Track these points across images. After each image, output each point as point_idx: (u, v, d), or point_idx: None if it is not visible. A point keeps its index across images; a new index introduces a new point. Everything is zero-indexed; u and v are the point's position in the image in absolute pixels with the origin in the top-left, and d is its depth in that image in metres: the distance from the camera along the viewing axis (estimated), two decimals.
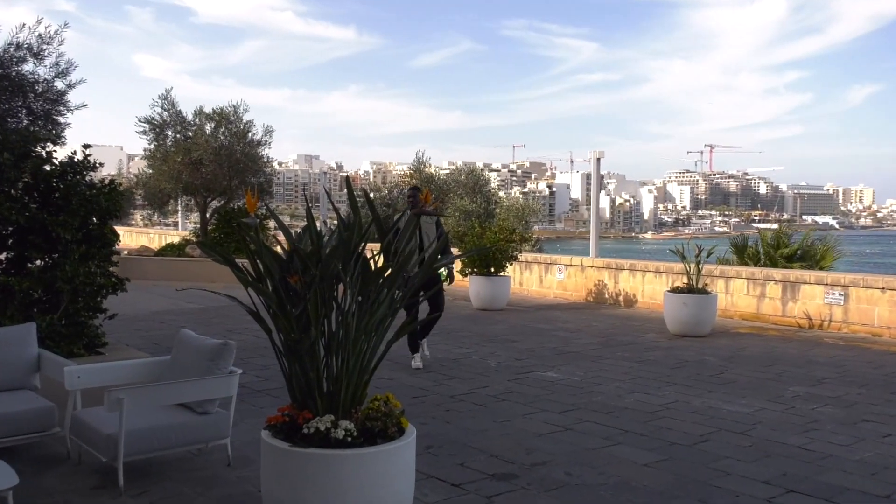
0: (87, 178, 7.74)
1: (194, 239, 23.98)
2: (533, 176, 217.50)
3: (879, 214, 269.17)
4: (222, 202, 25.28)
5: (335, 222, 4.25)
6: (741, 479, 5.38)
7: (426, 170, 34.19)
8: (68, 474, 5.31)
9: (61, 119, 7.61)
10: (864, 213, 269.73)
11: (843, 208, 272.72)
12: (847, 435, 6.48)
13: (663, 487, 5.18)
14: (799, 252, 17.07)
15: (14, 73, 7.35)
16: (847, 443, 6.26)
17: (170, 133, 25.63)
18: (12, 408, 5.40)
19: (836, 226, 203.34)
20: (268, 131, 26.04)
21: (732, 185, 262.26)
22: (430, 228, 8.96)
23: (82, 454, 5.56)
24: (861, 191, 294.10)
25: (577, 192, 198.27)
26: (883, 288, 12.04)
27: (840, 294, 12.46)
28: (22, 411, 5.40)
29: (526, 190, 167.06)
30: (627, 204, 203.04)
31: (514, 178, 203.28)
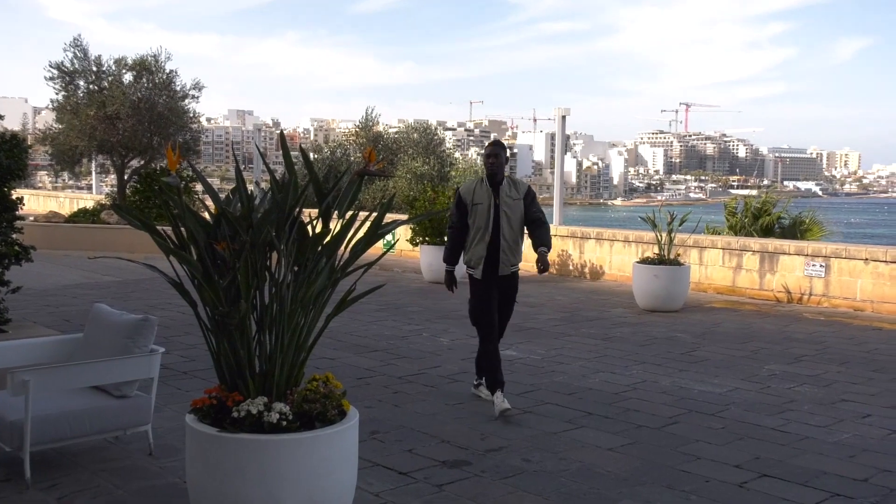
0: None
1: (110, 203, 23.52)
2: (492, 135, 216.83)
3: (865, 180, 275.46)
4: (143, 162, 24.84)
5: (269, 184, 4.21)
6: (712, 463, 5.51)
7: (374, 128, 34.02)
8: None
9: None
10: (850, 179, 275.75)
11: (826, 174, 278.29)
12: (825, 416, 6.68)
13: (629, 473, 5.28)
14: (785, 222, 17.47)
15: None
16: (824, 424, 6.45)
17: (82, 83, 25.02)
18: None
19: (820, 192, 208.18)
20: (197, 86, 25.59)
21: (709, 148, 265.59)
22: (513, 206, 6.77)
23: None
24: (846, 155, 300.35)
25: (540, 154, 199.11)
26: (866, 259, 12.36)
27: (821, 266, 12.76)
28: None
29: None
30: (595, 167, 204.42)
31: (472, 138, 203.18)
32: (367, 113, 34.19)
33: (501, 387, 6.62)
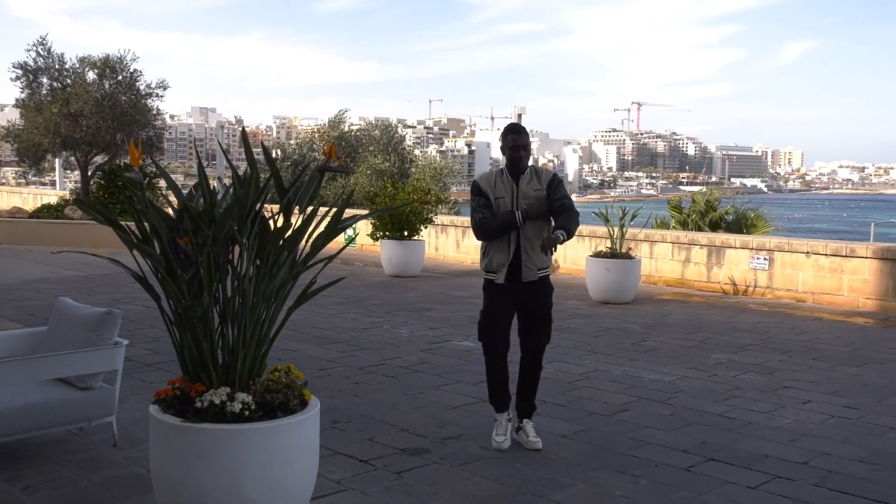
0: None
1: (74, 199, 23.18)
2: (451, 133, 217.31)
3: (808, 177, 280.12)
4: (106, 158, 24.50)
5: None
6: (661, 448, 5.59)
7: (340, 124, 34.01)
8: None
9: None
10: (793, 176, 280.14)
11: (771, 171, 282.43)
12: (768, 402, 6.80)
13: (581, 459, 5.34)
14: (730, 218, 17.71)
15: None
16: (767, 410, 6.57)
17: (45, 81, 24.65)
18: None
19: (765, 189, 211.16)
20: (161, 85, 25.31)
21: (660, 146, 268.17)
22: (534, 198, 5.56)
23: None
24: (790, 153, 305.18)
25: (497, 151, 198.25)
26: (808, 252, 12.59)
27: (765, 259, 12.98)
28: None
29: (443, 148, 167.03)
30: (551, 164, 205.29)
31: (431, 136, 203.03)
32: (338, 113, 34.37)
33: (506, 407, 5.68)
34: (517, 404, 5.70)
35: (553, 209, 5.54)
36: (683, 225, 17.65)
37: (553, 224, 5.60)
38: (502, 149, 5.68)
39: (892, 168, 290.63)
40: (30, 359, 5.17)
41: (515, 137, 5.54)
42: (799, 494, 4.79)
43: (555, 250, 5.53)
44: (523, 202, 5.50)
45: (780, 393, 7.11)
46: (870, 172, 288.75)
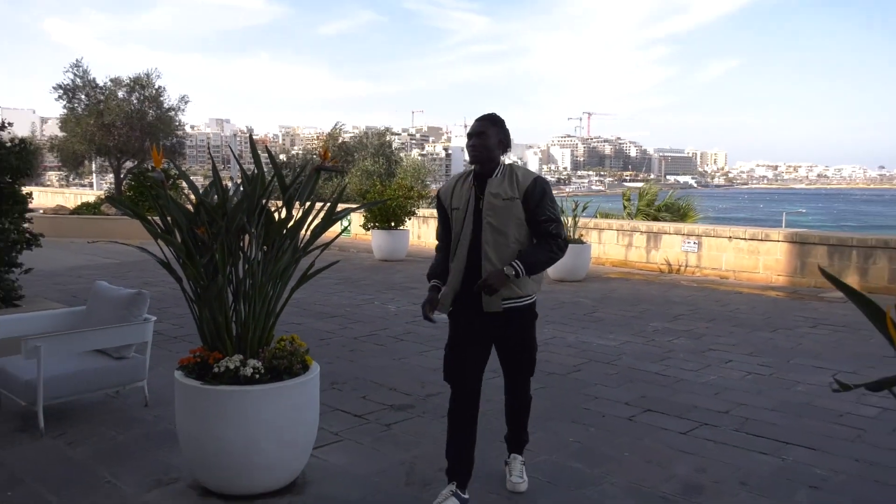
0: None
1: (108, 197, 22.98)
2: (431, 139, 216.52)
3: (731, 174, 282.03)
4: (136, 163, 24.28)
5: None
6: (607, 401, 5.63)
7: (339, 136, 34.16)
8: None
9: None
10: (718, 174, 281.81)
11: (700, 169, 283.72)
12: (696, 362, 6.87)
13: (541, 412, 5.36)
14: (664, 208, 17.81)
15: None
16: (696, 368, 6.64)
17: (82, 97, 24.40)
18: None
19: (695, 184, 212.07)
20: (184, 100, 25.18)
21: (607, 149, 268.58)
22: (501, 210, 3.61)
23: (2, 400, 5.33)
24: (716, 154, 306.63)
25: (462, 153, 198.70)
26: (730, 237, 12.70)
27: (694, 243, 13.07)
28: None
29: (424, 152, 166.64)
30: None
31: (414, 141, 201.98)
32: (336, 125, 34.86)
33: (459, 479, 3.74)
34: (505, 435, 4.19)
35: (535, 233, 3.65)
36: (631, 215, 17.69)
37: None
38: None
39: (800, 166, 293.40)
40: (73, 333, 5.13)
41: (472, 126, 3.70)
42: (722, 438, 4.85)
43: (494, 291, 3.54)
44: (488, 214, 3.58)
45: (706, 354, 7.18)
46: (782, 170, 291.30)
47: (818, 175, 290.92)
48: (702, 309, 9.65)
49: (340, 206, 4.30)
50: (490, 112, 3.77)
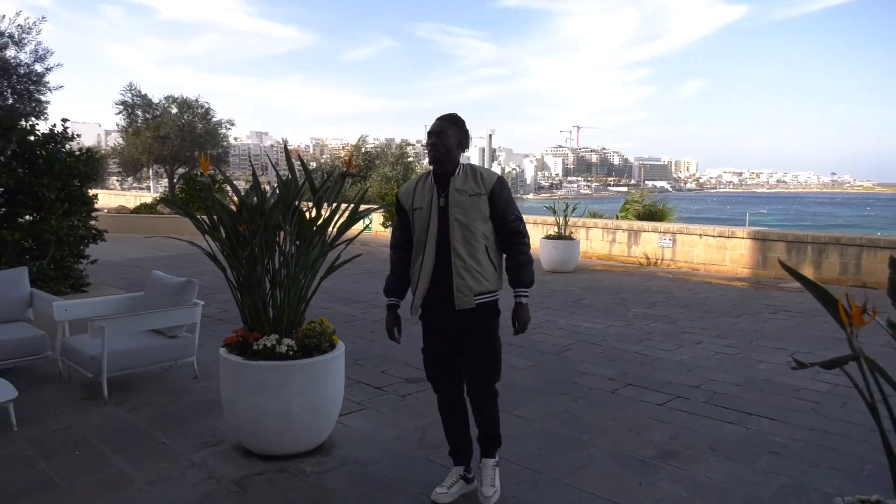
0: (68, 147, 7.31)
1: (162, 198, 23.15)
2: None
3: (701, 180, 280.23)
4: (187, 170, 24.38)
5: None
6: (593, 377, 5.61)
7: (363, 147, 34.27)
8: (61, 389, 5.12)
9: (42, 98, 7.14)
10: (691, 179, 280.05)
11: (675, 175, 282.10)
12: (671, 343, 6.83)
13: (535, 385, 5.36)
14: (649, 210, 17.72)
15: None
16: (671, 348, 6.60)
17: (140, 113, 24.54)
18: (9, 336, 5.16)
19: (670, 189, 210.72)
20: (230, 122, 25.41)
21: (594, 158, 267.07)
22: (468, 206, 3.16)
23: (72, 373, 5.36)
24: (688, 162, 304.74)
25: (475, 162, 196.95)
26: (700, 234, 12.62)
27: (669, 239, 13.00)
28: (17, 339, 5.16)
29: None
30: (514, 171, 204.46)
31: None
32: (360, 137, 34.89)
33: (462, 461, 3.46)
34: (476, 436, 3.43)
35: (501, 233, 3.21)
36: (627, 217, 17.47)
37: (507, 260, 3.26)
38: None
39: (762, 172, 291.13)
40: (132, 315, 5.15)
41: (432, 125, 3.23)
42: (693, 409, 4.82)
43: (527, 320, 3.26)
44: (455, 211, 3.12)
45: (680, 336, 7.14)
46: (746, 176, 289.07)
47: (777, 180, 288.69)
48: (676, 297, 9.60)
49: (362, 207, 4.30)
50: (450, 112, 3.31)
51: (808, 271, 11.05)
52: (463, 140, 3.28)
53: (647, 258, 13.27)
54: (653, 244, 13.26)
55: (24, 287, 5.72)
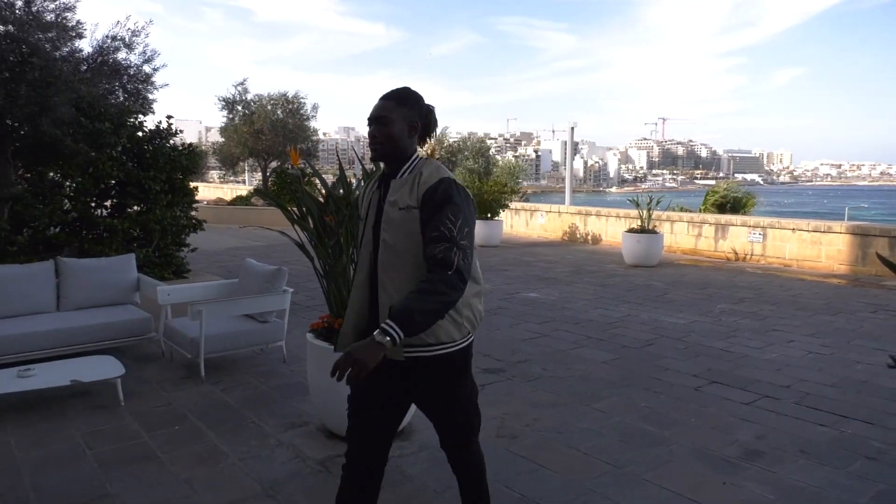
0: (172, 143, 7.72)
1: (256, 191, 24.10)
2: (523, 143, 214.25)
3: (796, 173, 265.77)
4: (279, 164, 25.24)
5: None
6: (676, 372, 5.44)
7: (445, 140, 34.49)
8: (163, 368, 5.42)
9: (149, 96, 7.56)
10: (784, 172, 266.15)
11: (766, 168, 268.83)
12: (760, 341, 6.52)
13: (616, 379, 5.25)
14: (728, 200, 17.00)
15: (111, 60, 7.27)
16: (759, 346, 6.30)
17: (239, 109, 25.56)
18: (119, 317, 5.50)
19: (761, 182, 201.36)
20: (314, 108, 26.03)
21: (680, 150, 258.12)
22: (398, 222, 2.21)
23: (173, 353, 5.67)
24: (781, 154, 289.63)
25: (557, 156, 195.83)
26: (793, 229, 11.97)
27: (759, 234, 12.40)
28: (126, 320, 5.49)
29: (517, 154, 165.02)
30: (597, 165, 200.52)
31: (508, 145, 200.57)
32: (443, 130, 35.09)
33: None
34: (460, 490, 2.60)
35: (425, 254, 2.15)
36: (709, 209, 16.84)
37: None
38: None
39: (863, 165, 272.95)
40: (228, 300, 5.37)
41: (372, 108, 2.32)
42: (782, 409, 4.59)
43: (361, 372, 2.01)
44: (384, 229, 2.27)
45: (769, 334, 6.81)
46: (845, 168, 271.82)
47: (881, 172, 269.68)
48: (766, 293, 9.15)
49: None
50: (399, 87, 2.36)
51: None
52: (417, 122, 2.32)
53: (735, 253, 12.71)
54: (741, 238, 12.68)
55: (132, 272, 6.09)
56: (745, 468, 3.66)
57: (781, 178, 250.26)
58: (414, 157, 2.33)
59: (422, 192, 2.20)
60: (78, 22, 6.55)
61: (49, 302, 5.61)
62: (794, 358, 5.91)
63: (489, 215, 14.82)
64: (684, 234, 13.68)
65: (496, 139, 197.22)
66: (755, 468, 3.66)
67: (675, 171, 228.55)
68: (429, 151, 4.14)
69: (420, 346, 2.24)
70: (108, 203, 7.45)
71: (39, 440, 3.97)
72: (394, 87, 2.36)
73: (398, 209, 2.24)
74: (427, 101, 2.39)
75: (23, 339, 5.01)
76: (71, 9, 6.46)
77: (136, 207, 7.44)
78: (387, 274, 2.25)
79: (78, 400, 4.63)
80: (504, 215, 16.31)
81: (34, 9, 6.25)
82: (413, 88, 2.37)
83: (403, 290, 2.16)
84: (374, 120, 2.30)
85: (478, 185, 15.49)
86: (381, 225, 2.28)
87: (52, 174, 7.22)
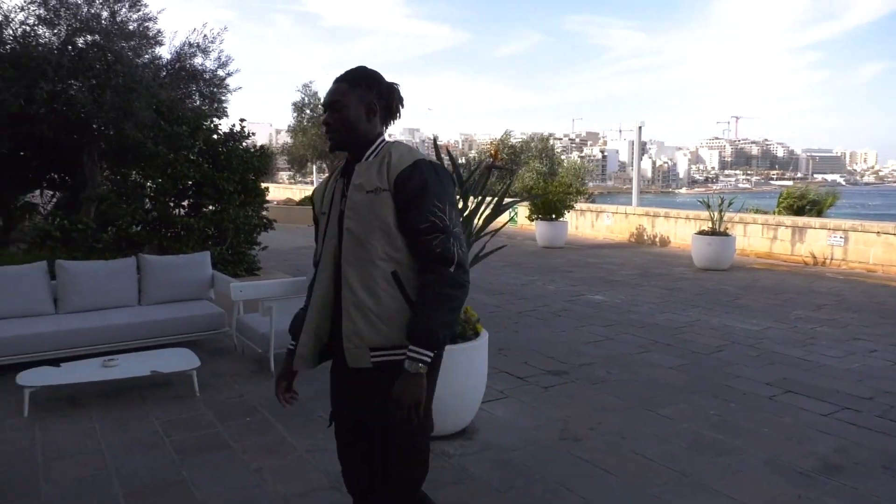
0: (244, 145, 7.99)
1: None
2: (588, 143, 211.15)
3: (881, 173, 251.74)
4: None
5: None
6: (748, 380, 5.25)
7: (508, 141, 34.37)
8: (235, 361, 5.61)
9: (223, 99, 7.87)
10: (868, 172, 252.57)
11: (849, 168, 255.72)
12: (839, 350, 6.22)
13: (684, 385, 5.11)
14: (804, 200, 16.30)
15: (188, 65, 7.60)
16: (839, 356, 6.01)
17: (308, 111, 26.24)
18: (194, 312, 5.73)
19: (843, 182, 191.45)
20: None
21: (754, 150, 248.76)
22: (362, 207, 1.99)
23: (244, 347, 5.86)
24: (865, 153, 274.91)
25: (624, 156, 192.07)
26: (878, 232, 11.34)
27: (841, 237, 11.81)
28: (201, 315, 5.72)
29: (583, 154, 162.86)
30: (666, 165, 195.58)
31: (574, 145, 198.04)
32: (505, 132, 35.00)
33: None
34: None
35: (411, 246, 1.99)
36: (783, 211, 16.20)
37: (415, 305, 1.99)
38: None
39: None
40: (296, 297, 5.52)
41: (328, 94, 2.12)
42: (864, 422, 4.36)
43: (410, 406, 1.92)
44: (348, 216, 2.05)
45: (850, 343, 6.48)
46: None
47: None
48: (847, 300, 8.70)
49: (507, 200, 4.31)
50: (354, 67, 2.16)
51: None
52: (375, 105, 2.11)
53: (814, 257, 12.14)
54: (820, 242, 12.11)
55: (207, 269, 6.33)
56: (824, 482, 3.50)
57: (866, 179, 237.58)
58: (379, 141, 2.12)
59: (394, 175, 1.99)
60: (158, 31, 6.89)
61: (132, 297, 5.90)
62: (876, 368, 5.61)
63: (554, 216, 14.69)
64: (758, 237, 13.17)
65: (561, 139, 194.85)
66: (834, 483, 3.49)
67: (748, 172, 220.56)
68: (492, 152, 4.15)
69: (388, 348, 2.03)
70: (185, 203, 7.77)
71: (122, 426, 4.18)
72: (349, 68, 2.15)
73: (365, 192, 2.02)
74: (391, 80, 2.17)
75: (108, 331, 5.29)
76: (152, 18, 6.79)
77: (210, 207, 7.74)
78: (352, 267, 2.02)
79: (157, 390, 4.86)
80: (569, 216, 16.13)
81: (118, 19, 6.60)
82: (370, 67, 2.13)
83: (369, 286, 1.99)
84: (327, 106, 2.10)
85: (542, 185, 15.38)
86: (346, 213, 2.05)
87: (134, 175, 7.59)
